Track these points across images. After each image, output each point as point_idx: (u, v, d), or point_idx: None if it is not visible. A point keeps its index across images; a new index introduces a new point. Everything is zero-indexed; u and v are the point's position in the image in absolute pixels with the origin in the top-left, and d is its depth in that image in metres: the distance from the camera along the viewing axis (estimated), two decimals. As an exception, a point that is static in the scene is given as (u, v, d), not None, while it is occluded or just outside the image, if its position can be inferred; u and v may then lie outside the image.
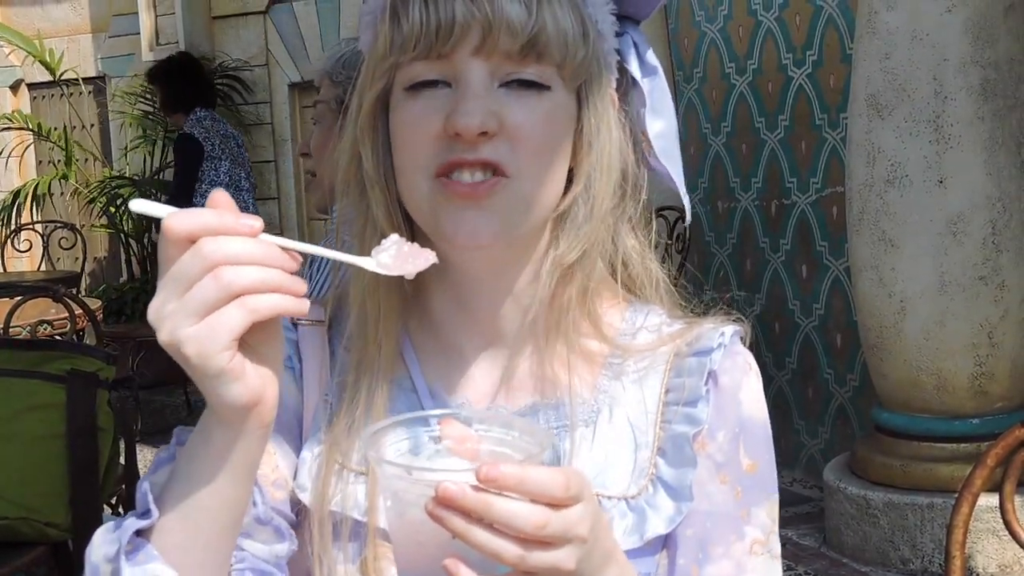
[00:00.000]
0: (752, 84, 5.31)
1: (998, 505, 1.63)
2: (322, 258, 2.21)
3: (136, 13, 7.98)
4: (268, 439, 0.90)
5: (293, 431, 1.08)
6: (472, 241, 0.99)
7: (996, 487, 1.63)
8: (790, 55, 5.07)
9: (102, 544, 0.91)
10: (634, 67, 1.09)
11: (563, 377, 1.07)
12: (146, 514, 0.90)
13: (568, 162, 1.04)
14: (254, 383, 0.84)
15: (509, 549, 0.79)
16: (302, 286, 0.83)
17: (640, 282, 1.12)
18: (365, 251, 1.02)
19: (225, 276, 0.80)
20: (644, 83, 1.10)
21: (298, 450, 1.08)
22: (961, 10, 3.83)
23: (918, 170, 3.89)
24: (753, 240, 5.39)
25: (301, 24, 7.66)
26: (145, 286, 7.44)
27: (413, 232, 1.05)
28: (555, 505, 0.80)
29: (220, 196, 0.83)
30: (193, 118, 6.15)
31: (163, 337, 0.81)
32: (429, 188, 0.99)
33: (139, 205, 0.84)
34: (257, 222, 0.82)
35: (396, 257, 0.89)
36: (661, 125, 1.11)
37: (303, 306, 0.83)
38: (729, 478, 1.08)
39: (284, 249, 0.83)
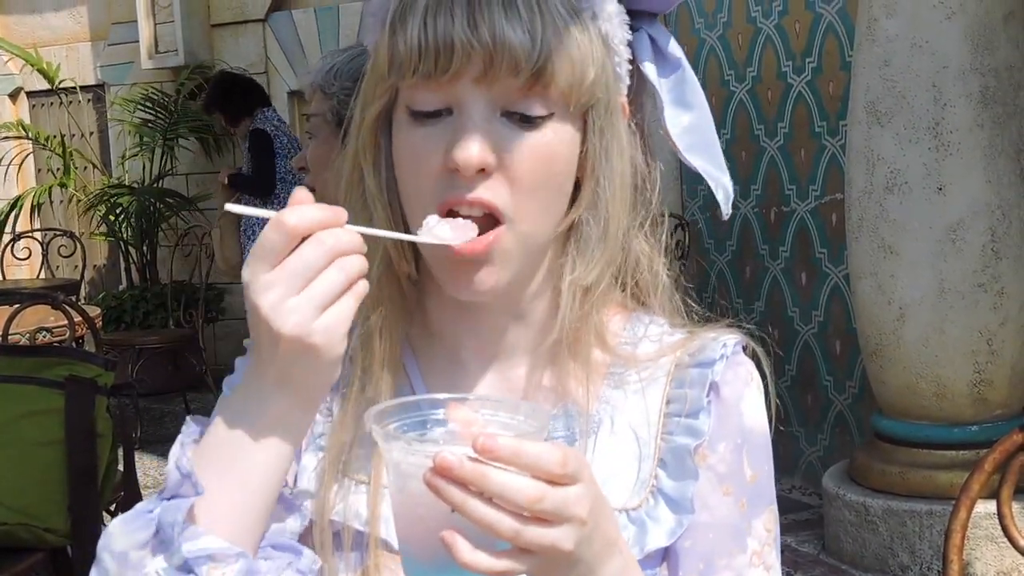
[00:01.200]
0: (751, 91, 5.31)
1: (996, 511, 1.62)
2: None
3: (135, 21, 7.98)
4: None
5: None
6: (471, 294, 1.00)
7: (994, 493, 1.63)
8: (789, 62, 5.08)
9: (126, 532, 0.90)
10: (649, 68, 1.07)
11: (569, 389, 1.06)
12: (186, 490, 0.89)
13: (570, 188, 1.02)
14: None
15: (505, 522, 0.79)
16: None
17: (647, 289, 1.11)
18: (370, 263, 1.03)
19: (347, 266, 0.86)
20: (664, 83, 1.07)
21: (299, 457, 1.07)
22: (960, 18, 3.83)
23: (917, 177, 3.89)
24: (752, 247, 5.39)
25: (300, 32, 7.66)
26: (144, 293, 7.45)
27: (412, 244, 1.04)
28: (552, 482, 0.80)
29: (303, 193, 0.88)
30: (260, 116, 6.24)
31: (290, 330, 0.85)
32: None
33: (235, 208, 0.92)
34: (344, 213, 0.88)
35: (454, 228, 0.95)
36: (689, 118, 1.09)
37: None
38: (733, 489, 1.07)
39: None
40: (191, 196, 7.82)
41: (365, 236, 0.90)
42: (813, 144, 5.00)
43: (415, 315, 1.10)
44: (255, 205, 5.87)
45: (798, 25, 5.01)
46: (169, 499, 0.90)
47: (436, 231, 0.95)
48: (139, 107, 7.75)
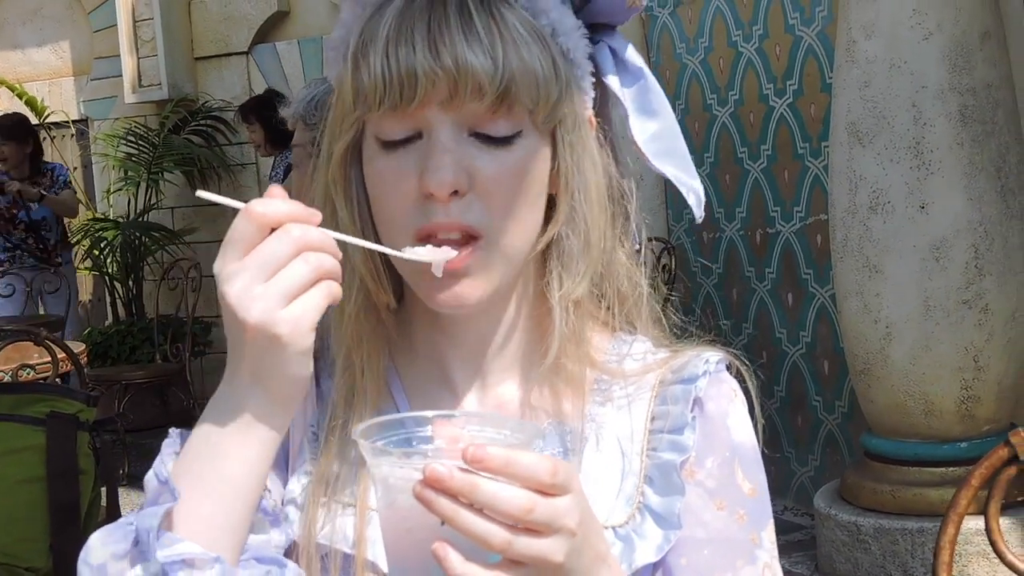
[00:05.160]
0: (734, 115, 5.33)
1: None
2: None
3: (118, 56, 7.99)
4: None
5: (279, 462, 1.06)
6: (456, 306, 1.00)
7: (983, 509, 1.62)
8: (771, 85, 5.10)
9: (105, 544, 0.89)
10: (612, 80, 1.07)
11: (559, 407, 1.07)
12: (164, 498, 0.89)
13: (543, 203, 1.03)
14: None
15: (496, 533, 0.79)
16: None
17: (626, 301, 1.11)
18: (347, 298, 1.03)
19: (314, 260, 0.86)
20: (627, 92, 1.08)
21: (285, 481, 1.07)
22: (938, 38, 3.86)
23: (900, 196, 3.90)
24: (739, 270, 5.39)
25: (284, 64, 7.68)
26: (131, 328, 7.41)
27: (391, 274, 1.05)
28: (542, 492, 0.80)
29: (278, 189, 0.89)
30: (290, 152, 6.38)
31: (255, 317, 0.85)
32: None
33: (204, 194, 0.93)
34: (318, 215, 0.88)
35: (433, 251, 0.96)
36: (655, 126, 1.10)
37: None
38: (727, 503, 1.06)
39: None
40: (176, 229, 7.80)
41: (345, 258, 0.90)
42: (796, 166, 5.01)
43: (399, 343, 1.09)
44: None
45: (778, 48, 5.04)
46: (153, 502, 0.90)
47: (417, 249, 0.96)
48: (123, 141, 7.75)
